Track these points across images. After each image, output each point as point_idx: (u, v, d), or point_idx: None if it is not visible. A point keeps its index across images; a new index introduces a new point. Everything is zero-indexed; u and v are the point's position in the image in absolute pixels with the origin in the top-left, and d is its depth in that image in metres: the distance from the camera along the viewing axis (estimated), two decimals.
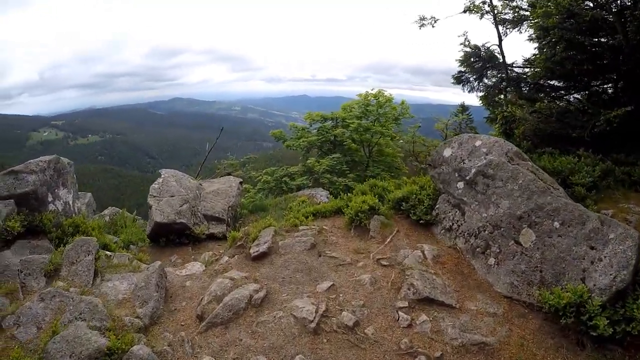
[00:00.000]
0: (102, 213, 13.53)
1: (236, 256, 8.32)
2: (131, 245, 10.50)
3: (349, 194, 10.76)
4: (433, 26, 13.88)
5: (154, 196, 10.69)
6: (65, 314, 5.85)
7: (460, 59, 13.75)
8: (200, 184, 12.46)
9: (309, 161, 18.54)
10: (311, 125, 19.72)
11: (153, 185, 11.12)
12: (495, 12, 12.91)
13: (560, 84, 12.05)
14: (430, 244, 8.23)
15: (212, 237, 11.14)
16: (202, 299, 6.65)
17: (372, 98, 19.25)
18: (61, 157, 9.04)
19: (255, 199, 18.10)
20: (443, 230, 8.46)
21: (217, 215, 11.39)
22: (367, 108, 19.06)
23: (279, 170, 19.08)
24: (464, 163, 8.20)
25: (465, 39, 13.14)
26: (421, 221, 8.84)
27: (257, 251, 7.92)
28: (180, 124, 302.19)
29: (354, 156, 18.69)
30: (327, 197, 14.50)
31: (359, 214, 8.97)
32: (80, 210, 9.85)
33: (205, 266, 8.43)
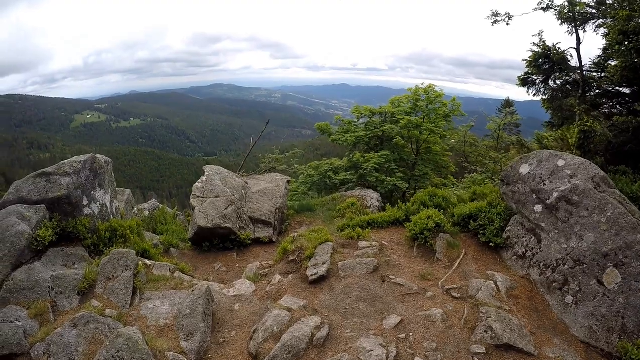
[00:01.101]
0: (142, 207, 12.83)
1: (290, 276, 7.32)
2: (172, 249, 9.68)
3: (406, 204, 9.95)
4: (508, 24, 12.39)
5: (198, 196, 9.80)
6: (101, 350, 4.96)
7: (529, 59, 12.28)
8: (246, 183, 11.48)
9: (355, 157, 17.37)
10: (359, 120, 18.44)
11: (196, 184, 10.23)
12: (575, 10, 11.35)
13: (628, 91, 10.62)
14: (501, 272, 7.32)
15: (257, 242, 10.25)
16: (255, 333, 5.65)
17: (422, 93, 17.77)
18: (98, 156, 8.21)
19: (298, 191, 17.24)
20: (514, 257, 7.57)
21: (263, 218, 10.42)
22: (417, 103, 17.75)
23: (323, 165, 18.01)
24: (543, 184, 7.30)
25: (540, 39, 11.66)
26: (490, 244, 7.96)
27: (315, 274, 6.91)
28: (221, 109, 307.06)
29: (402, 154, 17.35)
30: (378, 200, 13.38)
31: (425, 232, 8.10)
32: (118, 210, 9.04)
33: (255, 283, 7.46)
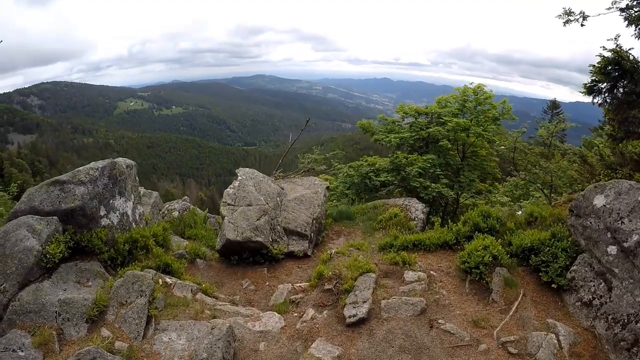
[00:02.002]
0: (172, 206, 12.17)
1: (325, 312, 6.40)
2: (198, 260, 8.92)
3: (456, 224, 8.95)
4: (582, 24, 10.93)
5: (228, 204, 8.99)
6: None
7: (597, 65, 10.76)
8: (282, 189, 10.59)
9: (398, 159, 16.29)
10: (403, 119, 17.28)
11: (227, 190, 9.42)
12: None
13: None
14: (563, 320, 6.32)
15: (291, 255, 9.34)
16: None
17: (471, 93, 16.42)
18: (119, 160, 7.51)
19: (337, 191, 16.35)
20: (578, 303, 6.50)
21: (299, 229, 9.52)
22: (465, 104, 16.40)
23: (364, 166, 16.98)
24: (621, 222, 6.22)
25: (617, 44, 10.15)
26: (552, 284, 6.89)
27: (353, 316, 5.97)
28: (262, 100, 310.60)
29: (447, 158, 16.15)
30: (423, 212, 12.21)
31: (480, 266, 7.08)
32: (142, 217, 8.34)
33: (284, 314, 6.58)
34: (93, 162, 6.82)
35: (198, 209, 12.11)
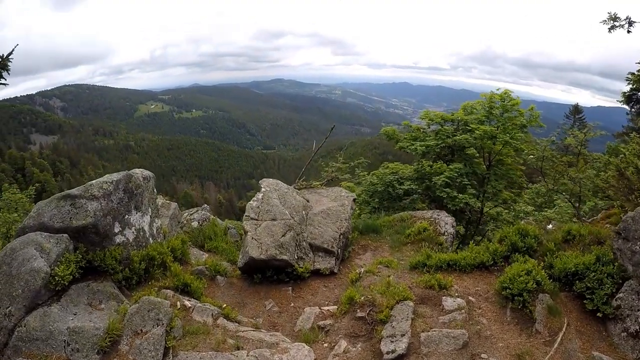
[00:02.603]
0: (191, 216, 11.66)
1: (359, 345, 5.80)
2: (219, 277, 8.35)
3: (491, 242, 8.53)
4: (629, 31, 10.11)
5: (252, 219, 8.40)
6: None
7: (637, 73, 9.94)
8: (307, 201, 9.98)
9: (424, 168, 15.61)
10: (429, 127, 16.58)
11: (250, 203, 8.84)
12: None
13: None
14: (608, 353, 5.80)
15: (316, 273, 8.71)
16: None
17: (497, 99, 15.68)
18: (136, 172, 7.00)
19: (359, 199, 15.77)
20: (624, 334, 5.91)
21: (325, 246, 8.90)
22: (492, 111, 15.67)
23: (388, 174, 16.36)
24: None
25: None
26: (598, 313, 6.33)
27: (392, 352, 5.35)
28: (281, 104, 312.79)
29: (474, 166, 15.52)
30: (453, 226, 11.50)
31: (524, 294, 6.47)
32: (159, 231, 7.81)
33: (313, 344, 5.99)
34: (107, 175, 6.32)
35: (218, 219, 11.61)
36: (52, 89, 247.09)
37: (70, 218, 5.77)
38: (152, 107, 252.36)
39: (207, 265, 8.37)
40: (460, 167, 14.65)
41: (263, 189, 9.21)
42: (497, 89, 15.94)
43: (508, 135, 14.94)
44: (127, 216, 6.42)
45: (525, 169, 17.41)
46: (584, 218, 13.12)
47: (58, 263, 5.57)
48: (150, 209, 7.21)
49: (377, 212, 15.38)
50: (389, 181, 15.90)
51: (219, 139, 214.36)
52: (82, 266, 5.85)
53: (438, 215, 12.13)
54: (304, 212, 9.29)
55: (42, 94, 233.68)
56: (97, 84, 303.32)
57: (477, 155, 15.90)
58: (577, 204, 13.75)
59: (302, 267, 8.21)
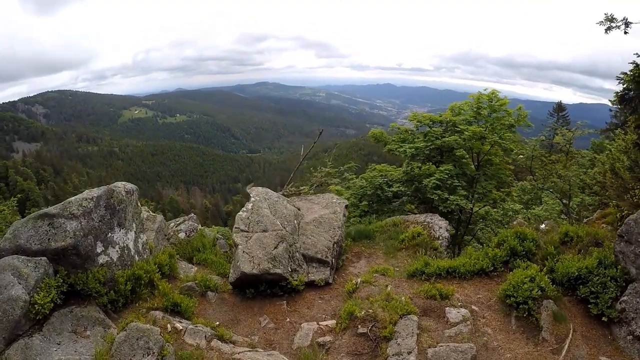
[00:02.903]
0: (178, 227, 11.20)
1: None
2: (209, 292, 7.96)
3: (490, 248, 8.29)
4: (625, 32, 9.96)
5: (242, 230, 8.03)
6: None
7: (630, 73, 9.87)
8: (299, 210, 9.64)
9: (413, 170, 15.40)
10: (417, 128, 16.38)
11: (240, 213, 8.46)
12: None
13: None
14: (614, 357, 5.79)
15: (311, 285, 8.37)
16: None
17: (485, 100, 15.53)
18: (118, 185, 6.57)
19: (348, 202, 15.45)
20: (630, 337, 5.87)
21: (319, 256, 8.58)
22: (480, 111, 15.52)
23: (377, 177, 16.13)
24: None
25: None
26: (603, 317, 6.26)
27: None
28: (265, 107, 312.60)
29: (463, 167, 15.36)
30: (447, 230, 11.30)
31: (529, 301, 6.36)
32: (145, 246, 7.40)
33: None
34: (87, 191, 5.91)
35: (206, 229, 11.20)
36: (35, 95, 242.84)
37: (49, 239, 5.36)
38: (136, 112, 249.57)
39: (197, 281, 7.98)
40: (451, 169, 14.46)
41: (252, 199, 8.84)
42: (485, 89, 15.80)
43: (497, 135, 14.81)
44: (110, 234, 6.01)
45: (513, 168, 17.23)
46: (572, 215, 13.06)
47: (37, 289, 5.16)
48: (134, 225, 6.81)
49: (367, 215, 15.22)
50: (378, 184, 15.68)
51: (203, 143, 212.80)
52: (63, 291, 5.46)
53: (431, 219, 11.91)
54: (295, 222, 8.95)
55: (25, 100, 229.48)
56: (80, 90, 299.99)
57: (467, 156, 15.73)
58: (567, 201, 13.71)
59: (296, 280, 7.87)
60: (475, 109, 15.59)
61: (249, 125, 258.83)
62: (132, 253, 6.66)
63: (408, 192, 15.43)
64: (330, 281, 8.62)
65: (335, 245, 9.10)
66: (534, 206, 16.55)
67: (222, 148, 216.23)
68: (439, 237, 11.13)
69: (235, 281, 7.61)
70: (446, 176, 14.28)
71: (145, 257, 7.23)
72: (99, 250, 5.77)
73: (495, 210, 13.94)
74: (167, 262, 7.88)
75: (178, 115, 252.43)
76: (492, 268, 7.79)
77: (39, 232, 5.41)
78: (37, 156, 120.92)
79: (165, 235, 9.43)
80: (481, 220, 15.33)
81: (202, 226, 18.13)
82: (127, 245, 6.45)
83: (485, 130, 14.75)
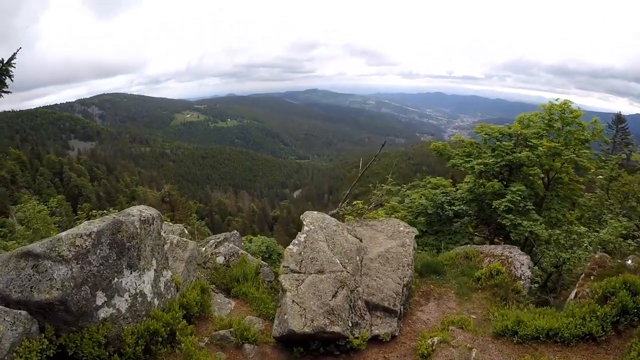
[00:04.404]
0: (216, 248, 9.66)
1: None
2: (246, 345, 6.31)
3: (597, 304, 6.33)
4: None
5: (292, 270, 6.36)
6: None
7: None
8: (361, 241, 7.87)
9: (482, 189, 13.90)
10: (485, 142, 14.50)
11: (290, 247, 6.78)
12: None
13: None
14: None
15: (374, 340, 6.59)
16: None
17: (557, 111, 14.08)
18: (128, 217, 4.89)
19: (405, 220, 13.79)
20: None
21: (385, 303, 6.81)
22: (552, 124, 14.14)
23: (439, 195, 14.56)
24: None
25: None
26: None
27: None
28: (315, 114, 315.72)
29: (534, 187, 13.68)
30: (530, 267, 9.43)
31: None
32: (170, 285, 5.84)
33: None
34: (86, 223, 4.39)
35: (249, 255, 9.60)
36: (91, 97, 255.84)
37: (31, 288, 3.89)
38: (188, 116, 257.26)
39: (232, 328, 6.37)
40: (523, 189, 12.77)
41: (306, 228, 7.14)
42: (556, 99, 14.58)
43: (571, 151, 13.46)
44: (116, 280, 4.48)
45: (584, 188, 15.54)
46: None
47: (13, 355, 3.70)
48: (154, 261, 5.27)
49: (425, 235, 13.83)
50: (439, 202, 14.24)
51: (253, 148, 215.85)
52: (50, 356, 3.97)
53: (510, 253, 9.97)
54: (357, 258, 7.18)
55: (82, 101, 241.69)
56: (134, 93, 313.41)
57: (541, 174, 14.21)
58: None
59: (357, 338, 6.12)
60: (546, 121, 14.26)
61: (298, 132, 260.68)
62: (150, 298, 5.11)
63: (470, 212, 14.16)
64: (397, 334, 6.83)
65: (404, 288, 7.32)
66: (592, 226, 14.41)
67: (271, 153, 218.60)
68: (520, 276, 9.25)
69: (281, 337, 5.93)
70: (519, 198, 12.61)
71: (169, 297, 5.70)
72: (99, 302, 4.26)
73: (558, 232, 12.00)
74: (198, 300, 6.38)
75: (229, 120, 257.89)
76: (602, 330, 5.99)
77: (20, 276, 3.96)
78: (92, 154, 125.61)
79: (199, 264, 7.88)
80: (544, 244, 13.47)
81: (244, 240, 16.73)
82: (141, 290, 4.90)
83: (560, 146, 13.29)
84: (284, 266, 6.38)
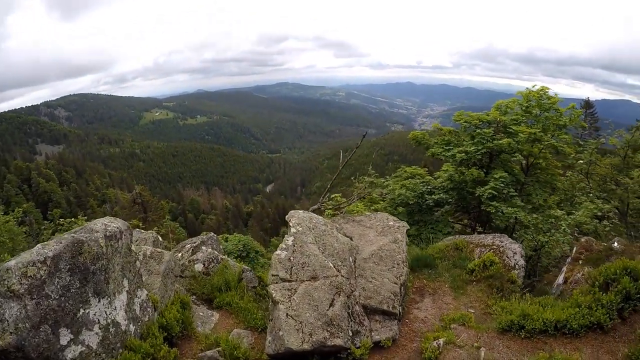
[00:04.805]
0: (193, 254, 8.90)
1: None
2: None
3: (600, 292, 6.18)
4: None
5: (282, 279, 5.73)
6: None
7: None
8: (351, 239, 7.32)
9: (462, 176, 13.73)
10: (464, 129, 14.29)
11: (278, 252, 6.11)
12: None
13: None
14: None
15: (374, 346, 6.08)
16: None
17: (534, 97, 14.10)
18: (90, 234, 4.04)
19: (387, 209, 13.78)
20: None
21: (384, 306, 6.29)
22: (530, 110, 14.20)
23: (419, 185, 14.31)
24: None
25: None
26: None
27: None
28: (285, 107, 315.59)
29: (515, 174, 13.68)
30: (522, 256, 9.08)
31: None
32: (146, 306, 5.15)
33: None
34: (39, 246, 3.61)
35: (230, 260, 8.90)
36: (57, 98, 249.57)
37: None
38: (157, 114, 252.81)
39: (220, 348, 5.72)
40: (506, 176, 12.65)
41: (293, 229, 6.49)
42: (533, 86, 14.48)
43: (550, 136, 13.44)
44: (82, 311, 3.77)
45: (562, 172, 15.60)
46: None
47: None
48: (126, 282, 4.57)
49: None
50: (420, 192, 14.02)
51: (224, 144, 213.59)
52: None
53: (501, 242, 9.64)
54: (351, 259, 6.61)
55: (47, 104, 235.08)
56: (101, 93, 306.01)
57: (523, 160, 14.19)
58: (626, 211, 12.21)
59: (359, 347, 5.58)
60: (524, 108, 14.23)
61: (269, 126, 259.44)
62: (124, 327, 4.42)
63: (450, 200, 13.95)
64: (397, 336, 6.36)
65: (401, 287, 6.82)
66: (565, 208, 14.54)
67: (242, 148, 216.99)
68: (514, 265, 8.92)
69: (276, 354, 5.32)
70: (502, 185, 12.47)
71: (146, 320, 5.03)
72: (64, 341, 3.55)
73: (536, 217, 11.97)
74: (179, 318, 5.76)
75: (199, 116, 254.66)
76: (609, 318, 5.80)
77: None
78: (60, 158, 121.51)
79: (176, 276, 7.16)
80: (522, 228, 13.46)
81: (220, 239, 15.99)
82: (113, 319, 4.20)
83: (540, 132, 13.20)
84: (272, 275, 5.74)
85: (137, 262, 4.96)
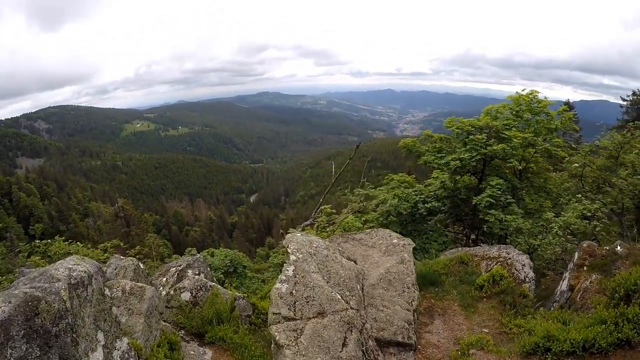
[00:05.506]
0: (180, 283, 8.05)
1: None
2: None
3: (621, 305, 5.85)
4: None
5: (285, 317, 4.95)
6: None
7: None
8: (355, 263, 6.59)
9: (457, 184, 13.74)
10: (457, 136, 13.98)
11: (278, 286, 5.27)
12: None
13: None
14: None
15: None
16: None
17: (524, 102, 14.19)
18: (50, 286, 3.23)
19: (374, 223, 13.93)
20: None
21: (399, 338, 5.64)
22: (521, 115, 14.18)
23: (412, 195, 13.99)
24: None
25: None
26: None
27: None
28: (267, 117, 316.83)
29: (512, 180, 13.55)
30: (531, 267, 8.74)
31: None
32: (127, 358, 4.35)
33: None
34: None
35: (220, 288, 8.07)
36: (37, 110, 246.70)
37: None
38: (138, 125, 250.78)
39: None
40: (502, 183, 12.49)
41: (293, 257, 5.69)
42: (522, 90, 14.60)
43: (542, 140, 13.56)
44: None
45: (553, 176, 15.67)
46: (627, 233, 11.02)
47: None
48: (101, 334, 3.77)
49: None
50: (413, 202, 13.76)
51: (206, 155, 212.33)
52: None
53: (507, 253, 9.25)
54: (358, 287, 5.87)
55: (27, 116, 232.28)
56: (82, 105, 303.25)
57: (519, 166, 13.83)
58: (621, 211, 11.96)
59: None
60: (514, 112, 14.23)
61: (251, 136, 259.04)
62: None
63: (444, 209, 13.87)
64: None
65: (414, 314, 6.14)
66: (552, 210, 14.31)
67: (224, 159, 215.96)
68: (524, 278, 8.56)
69: None
70: (499, 192, 12.29)
71: None
72: None
73: (530, 221, 11.97)
74: None
75: (180, 127, 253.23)
76: (636, 333, 5.47)
77: None
78: (41, 172, 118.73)
79: (161, 313, 6.33)
80: (514, 232, 13.17)
81: (205, 254, 15.16)
82: None
83: (533, 136, 13.25)
84: (273, 313, 4.94)
85: (114, 308, 4.17)
